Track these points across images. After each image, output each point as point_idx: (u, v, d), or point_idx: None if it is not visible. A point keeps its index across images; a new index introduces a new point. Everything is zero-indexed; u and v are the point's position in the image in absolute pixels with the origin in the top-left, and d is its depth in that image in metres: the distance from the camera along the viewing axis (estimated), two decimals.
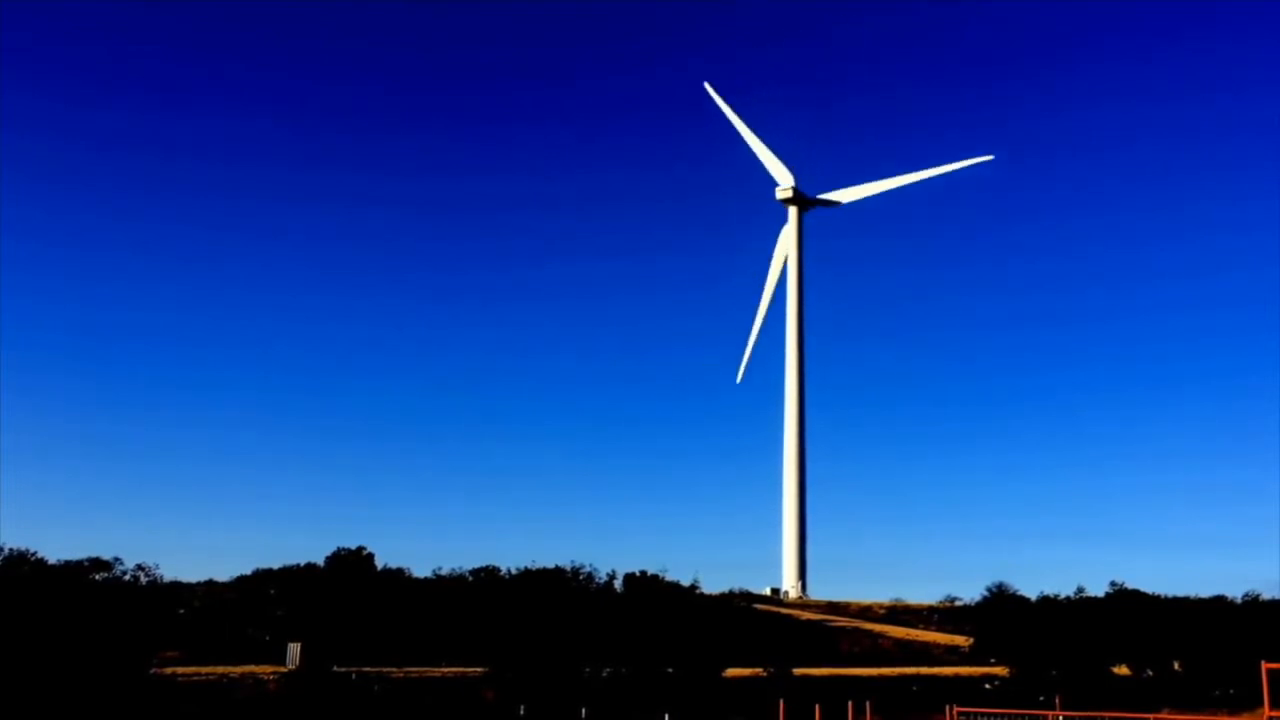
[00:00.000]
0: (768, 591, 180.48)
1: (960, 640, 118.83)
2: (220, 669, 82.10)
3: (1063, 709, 52.66)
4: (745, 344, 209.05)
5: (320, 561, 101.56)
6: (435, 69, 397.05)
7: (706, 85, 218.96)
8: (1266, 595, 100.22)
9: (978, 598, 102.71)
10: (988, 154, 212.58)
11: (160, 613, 72.98)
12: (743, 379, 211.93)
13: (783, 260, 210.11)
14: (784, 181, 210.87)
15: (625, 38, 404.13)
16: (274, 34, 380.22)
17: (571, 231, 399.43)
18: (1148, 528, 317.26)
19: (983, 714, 54.42)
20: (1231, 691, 77.07)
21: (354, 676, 78.15)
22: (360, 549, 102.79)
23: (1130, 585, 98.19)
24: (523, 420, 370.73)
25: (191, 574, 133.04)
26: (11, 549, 64.32)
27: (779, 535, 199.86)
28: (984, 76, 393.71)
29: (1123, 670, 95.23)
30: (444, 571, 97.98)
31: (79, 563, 65.41)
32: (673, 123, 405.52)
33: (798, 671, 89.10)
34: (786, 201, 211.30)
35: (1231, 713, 59.84)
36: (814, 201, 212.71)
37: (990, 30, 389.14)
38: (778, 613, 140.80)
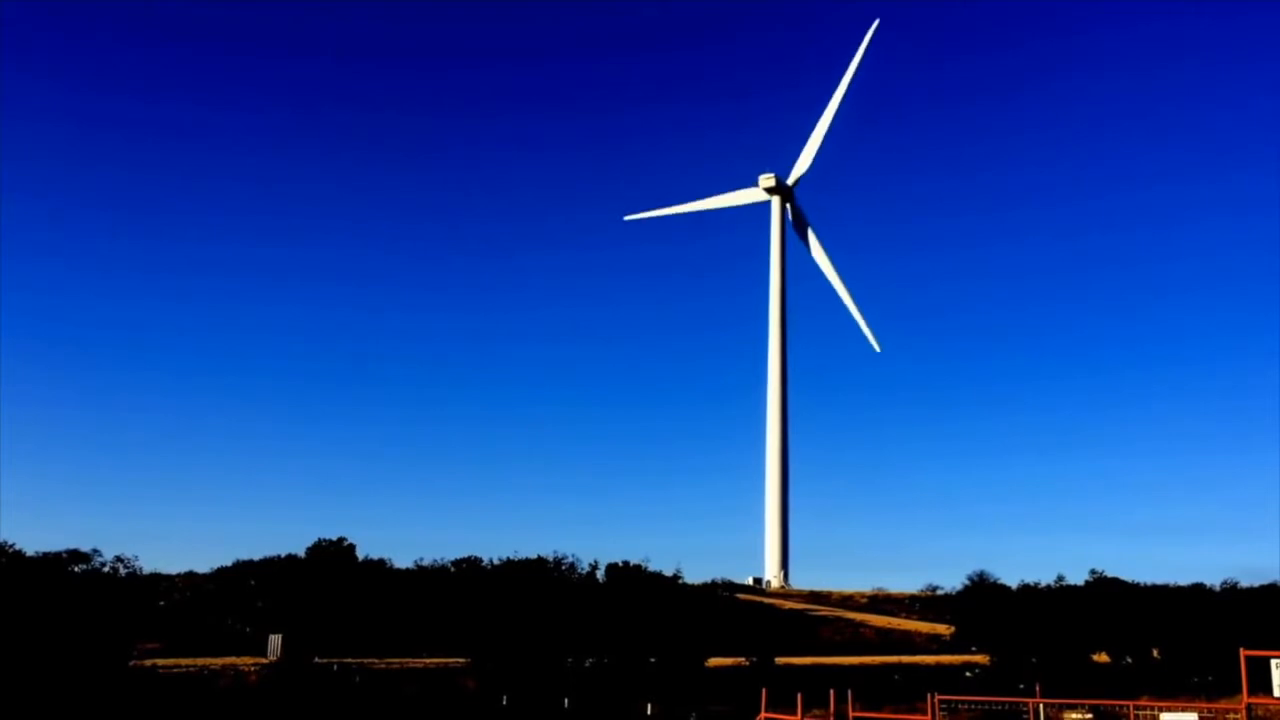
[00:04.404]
0: (750, 581, 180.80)
1: (941, 629, 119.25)
2: (201, 661, 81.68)
3: (1043, 696, 52.82)
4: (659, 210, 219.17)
5: (301, 553, 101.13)
6: (419, 58, 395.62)
7: (875, 24, 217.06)
8: (1245, 583, 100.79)
9: (959, 586, 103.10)
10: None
11: (140, 604, 72.53)
12: (629, 219, 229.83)
13: (726, 200, 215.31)
14: (804, 162, 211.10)
15: (605, 24, 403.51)
16: (274, 26, 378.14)
17: (555, 221, 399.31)
18: (1128, 516, 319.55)
19: (964, 702, 54.62)
20: (1210, 678, 77.45)
21: (335, 668, 77.88)
22: (341, 540, 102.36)
23: (1110, 574, 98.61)
24: (504, 411, 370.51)
25: (171, 565, 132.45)
26: None
27: (761, 525, 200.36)
28: (965, 61, 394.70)
29: (1102, 658, 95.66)
30: (425, 562, 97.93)
31: (57, 554, 64.94)
32: (659, 113, 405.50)
33: (780, 660, 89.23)
34: (770, 190, 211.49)
35: (1210, 699, 60.15)
36: (794, 202, 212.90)
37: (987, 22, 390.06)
38: (760, 602, 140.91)
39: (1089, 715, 54.00)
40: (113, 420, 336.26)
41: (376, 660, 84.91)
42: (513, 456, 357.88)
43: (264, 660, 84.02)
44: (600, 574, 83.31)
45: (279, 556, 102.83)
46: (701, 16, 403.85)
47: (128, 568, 67.11)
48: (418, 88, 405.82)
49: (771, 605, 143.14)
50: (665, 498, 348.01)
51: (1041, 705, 49.70)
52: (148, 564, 76.23)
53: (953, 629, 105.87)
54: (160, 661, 77.57)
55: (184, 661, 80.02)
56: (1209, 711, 45.42)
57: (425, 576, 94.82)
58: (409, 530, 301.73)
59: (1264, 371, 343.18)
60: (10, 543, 64.36)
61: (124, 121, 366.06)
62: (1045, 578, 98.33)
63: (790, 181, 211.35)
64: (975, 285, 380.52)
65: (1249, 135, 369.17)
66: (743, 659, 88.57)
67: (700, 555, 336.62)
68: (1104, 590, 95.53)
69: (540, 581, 79.22)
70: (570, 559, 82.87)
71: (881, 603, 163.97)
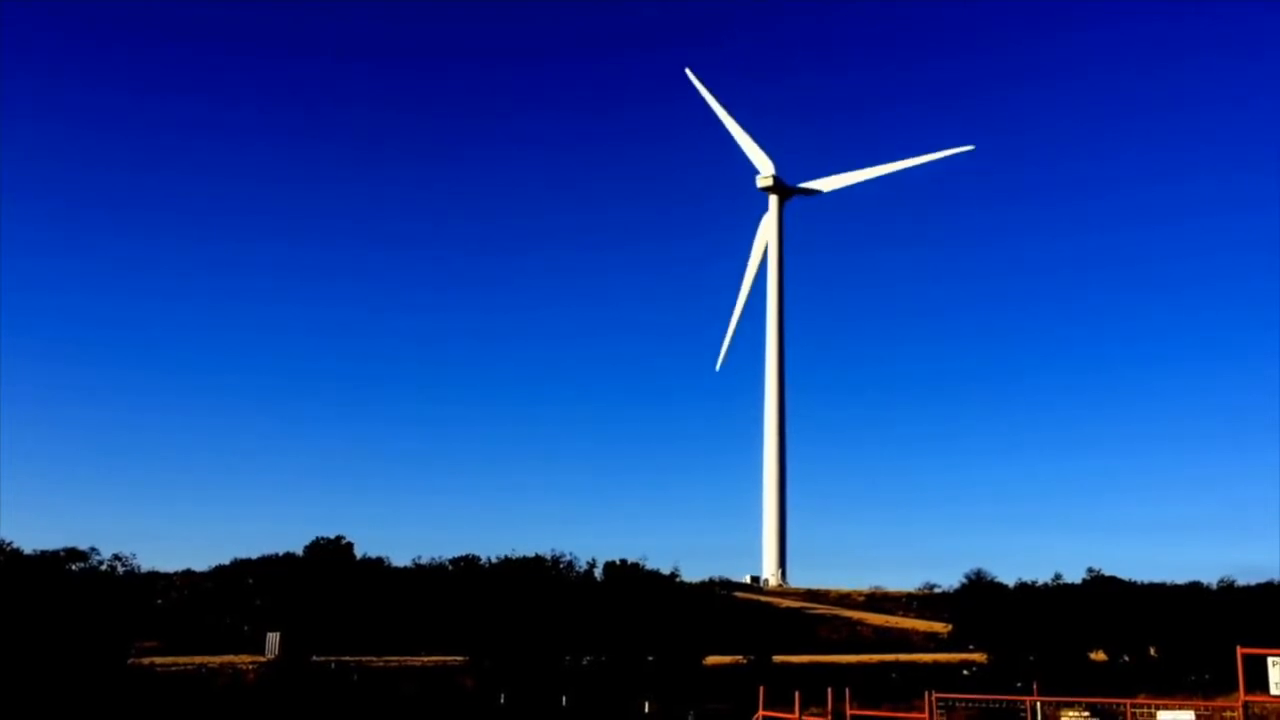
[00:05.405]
0: (747, 579, 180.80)
1: (939, 627, 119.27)
2: (199, 659, 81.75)
3: (1040, 695, 52.89)
4: (725, 332, 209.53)
5: (299, 551, 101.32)
6: (419, 58, 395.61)
7: (687, 71, 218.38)
8: (1242, 581, 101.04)
9: (956, 585, 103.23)
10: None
11: (138, 603, 72.62)
12: (721, 366, 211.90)
13: (763, 248, 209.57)
14: (764, 169, 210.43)
15: (606, 24, 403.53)
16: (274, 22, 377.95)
17: (553, 220, 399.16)
18: (1125, 515, 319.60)
19: (961, 700, 54.68)
20: (1207, 676, 77.59)
21: (333, 666, 77.97)
22: (339, 538, 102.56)
23: (1107, 572, 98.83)
24: (503, 410, 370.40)
25: (169, 564, 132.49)
26: None
27: (759, 523, 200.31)
28: (965, 59, 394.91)
29: (1099, 656, 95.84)
30: (423, 560, 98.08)
31: (55, 553, 64.94)
32: (655, 110, 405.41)
33: (777, 659, 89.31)
34: (767, 190, 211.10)
35: (1207, 697, 60.24)
36: (795, 190, 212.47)
37: (971, 12, 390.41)
38: (757, 600, 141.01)
39: (1086, 713, 54.07)
40: (111, 419, 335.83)
41: (375, 658, 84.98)
42: (511, 455, 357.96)
43: (262, 659, 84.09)
44: (598, 572, 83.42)
45: (277, 555, 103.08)
46: (701, 16, 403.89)
47: (125, 566, 67.15)
48: (418, 88, 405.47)
49: (769, 603, 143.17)
50: (663, 496, 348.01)
51: (1039, 704, 49.78)
52: (146, 562, 76.56)
53: (950, 627, 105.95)
54: (158, 660, 77.66)
55: (182, 660, 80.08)
56: (1206, 709, 45.54)
57: (423, 575, 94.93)
58: (407, 529, 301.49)
59: (1264, 371, 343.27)
60: (8, 541, 64.45)
61: (124, 120, 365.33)
62: (1043, 576, 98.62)
63: (772, 174, 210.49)
64: (975, 284, 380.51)
65: (1249, 135, 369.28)
66: (740, 657, 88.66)
67: (698, 553, 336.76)
68: (1101, 589, 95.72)
69: (538, 580, 79.30)
70: (568, 557, 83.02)
71: (879, 601, 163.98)
